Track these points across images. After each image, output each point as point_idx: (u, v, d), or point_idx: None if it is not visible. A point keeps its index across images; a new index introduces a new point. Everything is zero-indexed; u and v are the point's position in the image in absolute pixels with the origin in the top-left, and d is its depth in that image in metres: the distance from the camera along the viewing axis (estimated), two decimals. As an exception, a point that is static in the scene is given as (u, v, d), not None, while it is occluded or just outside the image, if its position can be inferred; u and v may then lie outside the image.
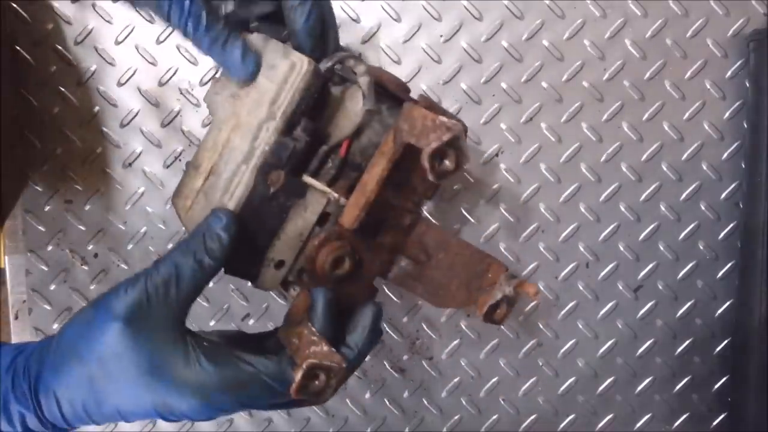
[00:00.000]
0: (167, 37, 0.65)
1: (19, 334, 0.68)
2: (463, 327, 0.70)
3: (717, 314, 0.71)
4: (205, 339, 0.47)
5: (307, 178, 0.49)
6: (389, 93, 0.52)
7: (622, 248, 0.69)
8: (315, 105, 0.48)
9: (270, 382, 0.46)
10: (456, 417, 0.71)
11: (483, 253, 0.54)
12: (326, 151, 0.50)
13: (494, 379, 0.70)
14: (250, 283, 0.51)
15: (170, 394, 0.44)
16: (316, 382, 0.46)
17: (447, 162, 0.45)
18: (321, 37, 0.50)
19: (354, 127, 0.50)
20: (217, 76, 0.52)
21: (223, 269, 0.49)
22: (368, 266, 0.52)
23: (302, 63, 0.47)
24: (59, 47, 0.64)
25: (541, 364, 0.70)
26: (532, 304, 0.69)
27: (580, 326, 0.70)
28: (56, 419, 0.45)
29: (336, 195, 0.49)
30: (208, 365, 0.45)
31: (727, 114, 0.68)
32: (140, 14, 0.64)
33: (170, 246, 0.67)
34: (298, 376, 0.45)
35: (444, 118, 0.45)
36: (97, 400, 0.45)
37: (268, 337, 0.52)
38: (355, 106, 0.50)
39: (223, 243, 0.46)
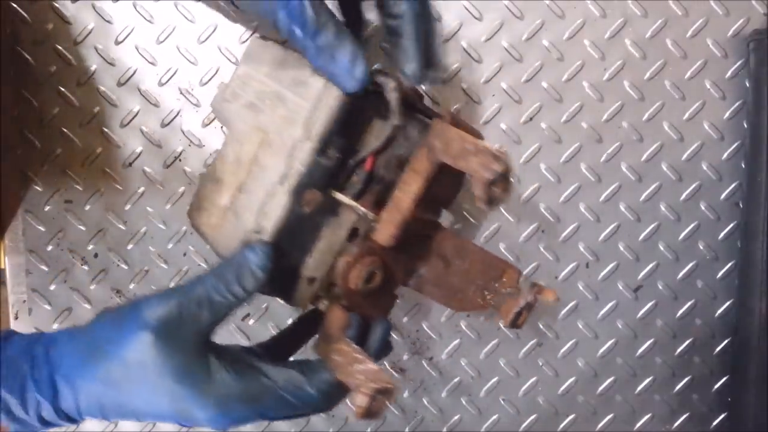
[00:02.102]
0: (167, 37, 0.65)
1: (19, 334, 0.68)
2: (463, 327, 0.70)
3: (717, 314, 0.71)
4: (228, 351, 0.48)
5: (338, 195, 0.49)
6: (411, 105, 0.51)
7: (622, 248, 0.69)
8: (346, 121, 0.48)
9: (286, 395, 0.47)
10: (456, 417, 0.71)
11: (498, 258, 0.55)
12: (353, 165, 0.49)
13: (494, 379, 0.70)
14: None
15: (190, 404, 0.45)
16: (375, 403, 0.47)
17: (498, 190, 0.45)
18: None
19: (382, 143, 0.49)
20: (225, 81, 0.51)
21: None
22: (395, 277, 0.53)
23: None
24: (59, 47, 0.64)
25: (541, 364, 0.70)
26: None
27: (580, 326, 0.70)
28: (71, 410, 0.46)
29: (370, 214, 0.49)
30: (229, 377, 0.46)
31: (727, 114, 0.68)
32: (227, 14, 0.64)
33: (170, 246, 0.67)
34: (364, 402, 0.45)
35: (488, 144, 0.45)
36: (117, 399, 0.46)
37: (279, 345, 0.54)
38: (382, 121, 0.49)
39: (258, 278, 0.46)
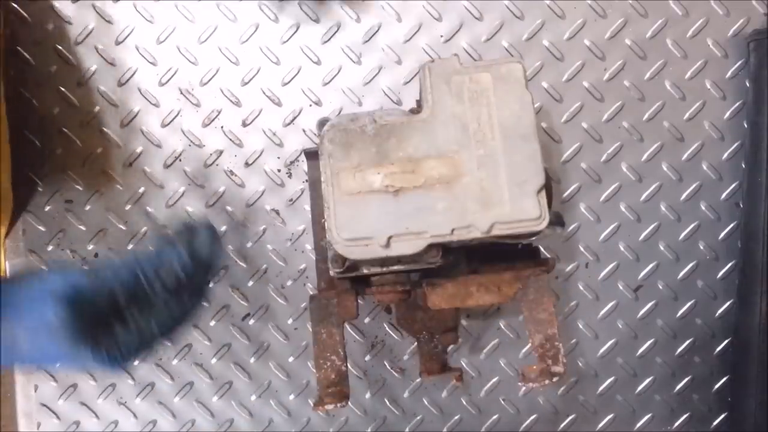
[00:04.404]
0: (167, 37, 0.65)
1: (19, 334, 0.68)
2: (464, 327, 0.70)
3: (717, 314, 0.71)
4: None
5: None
6: None
7: (622, 248, 0.69)
8: None
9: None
10: (456, 417, 0.71)
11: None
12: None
13: (494, 379, 0.70)
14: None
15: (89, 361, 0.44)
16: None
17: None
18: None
19: None
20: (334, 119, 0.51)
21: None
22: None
23: None
24: (59, 47, 0.64)
25: (541, 364, 0.70)
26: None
27: (580, 326, 0.70)
28: None
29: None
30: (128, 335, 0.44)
31: (727, 114, 0.68)
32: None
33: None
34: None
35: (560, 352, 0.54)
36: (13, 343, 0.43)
37: None
38: None
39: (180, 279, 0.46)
